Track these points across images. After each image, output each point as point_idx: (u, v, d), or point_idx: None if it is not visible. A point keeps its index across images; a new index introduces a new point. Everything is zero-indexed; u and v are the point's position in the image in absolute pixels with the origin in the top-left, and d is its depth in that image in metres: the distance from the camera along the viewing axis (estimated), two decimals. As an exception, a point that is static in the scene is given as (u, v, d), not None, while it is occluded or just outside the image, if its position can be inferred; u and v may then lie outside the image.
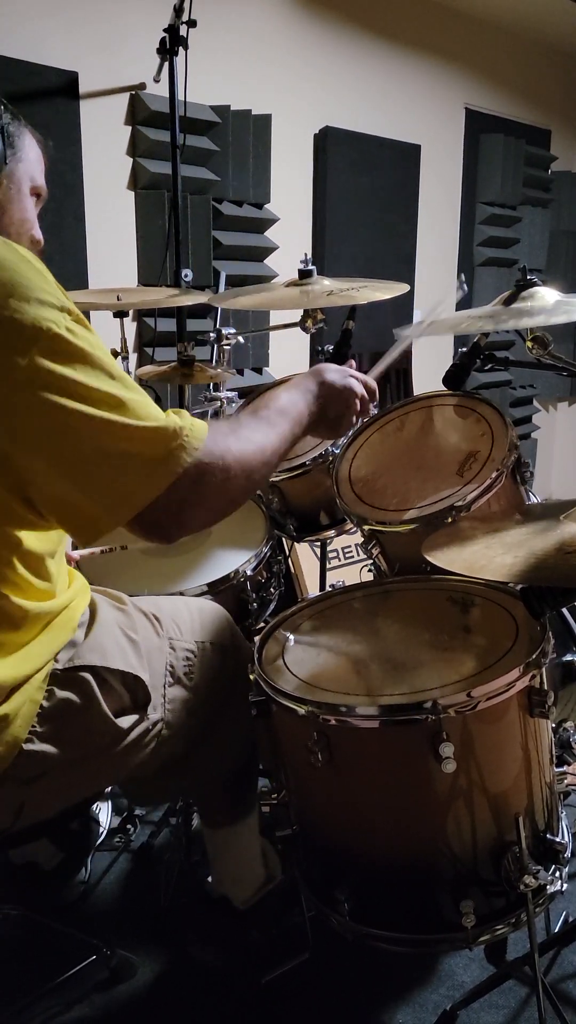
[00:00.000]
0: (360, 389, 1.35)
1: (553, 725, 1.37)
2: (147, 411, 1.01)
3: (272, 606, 1.77)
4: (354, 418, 1.36)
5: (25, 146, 1.17)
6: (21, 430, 0.97)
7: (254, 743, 1.44)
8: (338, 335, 1.96)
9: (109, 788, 1.94)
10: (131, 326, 2.94)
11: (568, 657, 1.62)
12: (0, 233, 1.11)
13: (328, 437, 1.46)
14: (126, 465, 1.00)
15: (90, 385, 0.97)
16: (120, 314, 2.24)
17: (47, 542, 1.12)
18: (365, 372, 1.41)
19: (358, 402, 1.35)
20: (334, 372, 1.33)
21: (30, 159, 1.18)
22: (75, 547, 1.68)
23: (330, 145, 3.52)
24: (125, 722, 1.22)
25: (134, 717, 1.24)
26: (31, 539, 1.08)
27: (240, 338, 2.22)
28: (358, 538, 1.65)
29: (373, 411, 1.75)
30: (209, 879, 1.58)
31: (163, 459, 1.01)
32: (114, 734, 1.21)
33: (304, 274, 1.92)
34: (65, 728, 1.16)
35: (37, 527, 1.08)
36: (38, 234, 1.20)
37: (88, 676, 1.18)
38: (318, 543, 2.22)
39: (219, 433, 1.09)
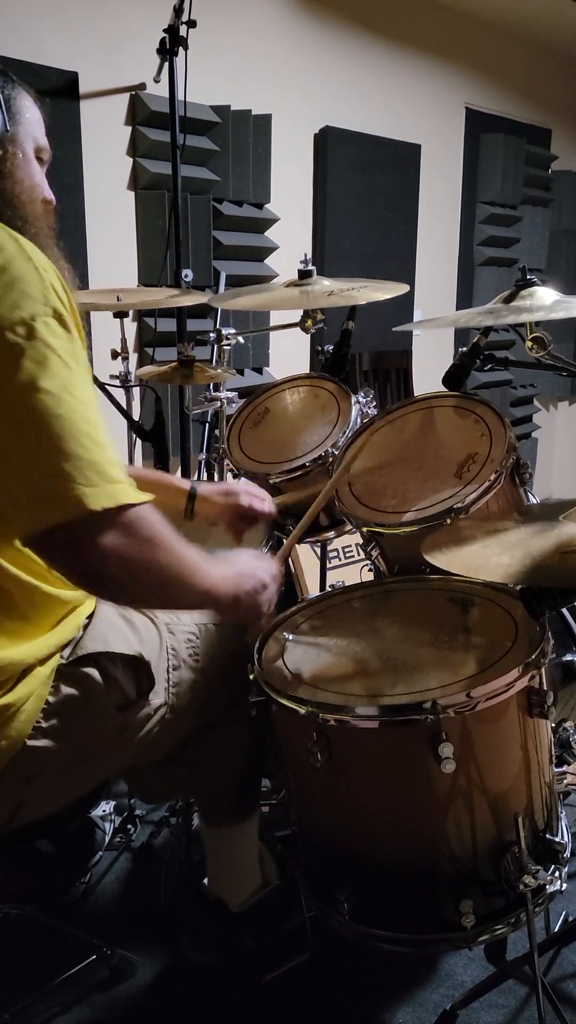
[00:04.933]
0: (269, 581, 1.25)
1: (553, 725, 1.37)
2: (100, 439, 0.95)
3: (272, 606, 1.77)
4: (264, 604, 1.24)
5: (24, 108, 1.15)
6: None
7: (263, 739, 1.43)
8: (338, 335, 1.97)
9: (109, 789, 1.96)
10: (131, 326, 2.94)
11: (568, 657, 1.62)
12: (12, 200, 1.10)
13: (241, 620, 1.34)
14: (54, 474, 0.92)
15: (51, 389, 0.92)
16: (120, 314, 2.24)
17: None
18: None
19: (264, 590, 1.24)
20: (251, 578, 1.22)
21: (31, 121, 1.15)
22: None
23: (330, 145, 3.52)
24: (128, 712, 1.23)
25: (138, 705, 1.24)
26: None
27: (240, 338, 2.22)
28: (358, 538, 1.65)
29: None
30: (205, 881, 1.58)
31: (96, 489, 0.93)
32: (116, 726, 1.22)
33: (304, 274, 1.92)
34: (69, 723, 1.16)
35: None
36: (49, 195, 1.18)
37: (92, 670, 1.18)
38: (318, 543, 2.22)
39: (163, 521, 1.01)
